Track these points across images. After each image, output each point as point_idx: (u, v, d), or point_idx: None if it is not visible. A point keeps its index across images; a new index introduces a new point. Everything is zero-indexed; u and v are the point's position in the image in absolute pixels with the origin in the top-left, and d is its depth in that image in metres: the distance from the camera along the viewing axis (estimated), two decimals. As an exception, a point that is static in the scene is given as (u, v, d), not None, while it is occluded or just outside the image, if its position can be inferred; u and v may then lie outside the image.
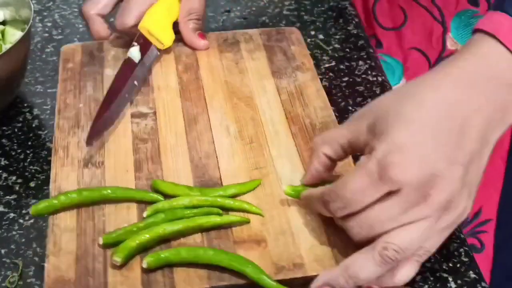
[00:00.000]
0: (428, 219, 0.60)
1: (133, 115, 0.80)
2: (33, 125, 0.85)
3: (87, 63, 0.87)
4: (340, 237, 0.65)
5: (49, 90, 0.90)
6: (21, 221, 0.73)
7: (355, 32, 1.00)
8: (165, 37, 0.88)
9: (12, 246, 0.70)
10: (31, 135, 0.84)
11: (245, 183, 0.71)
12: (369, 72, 0.92)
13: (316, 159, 0.68)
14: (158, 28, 0.88)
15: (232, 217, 0.67)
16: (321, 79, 0.91)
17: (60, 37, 1.00)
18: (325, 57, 0.96)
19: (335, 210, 0.63)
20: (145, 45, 0.86)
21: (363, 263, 0.61)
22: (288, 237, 0.66)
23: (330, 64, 0.94)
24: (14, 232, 0.72)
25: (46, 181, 0.77)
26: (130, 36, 0.88)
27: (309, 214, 0.68)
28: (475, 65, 0.62)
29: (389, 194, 0.60)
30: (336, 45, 0.98)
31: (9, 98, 0.86)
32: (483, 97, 0.61)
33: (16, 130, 0.84)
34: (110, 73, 0.85)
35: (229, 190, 0.70)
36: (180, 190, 0.69)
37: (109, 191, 0.69)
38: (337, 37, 1.00)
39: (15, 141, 0.83)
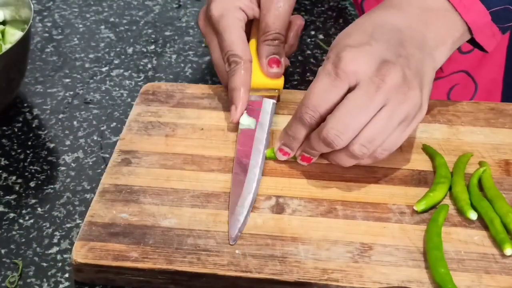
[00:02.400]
0: (386, 107, 0.66)
1: None
2: (33, 125, 0.85)
3: None
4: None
5: (49, 90, 0.90)
6: (21, 221, 0.73)
7: (355, 32, 1.00)
8: (271, 81, 0.79)
9: (12, 246, 0.70)
10: (31, 135, 0.84)
11: None
12: (369, 72, 0.92)
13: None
14: (259, 77, 0.79)
15: None
16: (321, 79, 0.91)
17: (60, 37, 1.00)
18: (325, 57, 0.96)
19: (308, 119, 0.69)
20: (254, 105, 0.79)
21: (339, 160, 0.70)
22: None
23: (330, 64, 0.94)
24: (14, 232, 0.72)
25: (46, 181, 0.77)
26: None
27: None
28: None
29: (350, 91, 0.66)
30: (336, 45, 0.98)
31: (9, 98, 0.86)
32: (409, 18, 0.71)
33: (16, 130, 0.84)
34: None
35: None
36: None
37: None
38: (337, 37, 1.00)
39: (15, 141, 0.83)
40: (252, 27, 0.83)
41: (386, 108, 0.66)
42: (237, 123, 0.78)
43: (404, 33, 0.69)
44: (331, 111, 0.67)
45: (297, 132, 0.71)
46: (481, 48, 0.76)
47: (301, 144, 0.72)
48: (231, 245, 0.66)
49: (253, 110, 0.78)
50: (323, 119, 0.68)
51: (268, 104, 0.79)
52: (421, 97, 0.68)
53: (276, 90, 0.80)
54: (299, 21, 0.84)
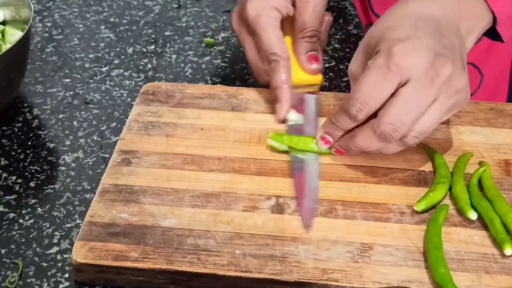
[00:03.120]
0: (438, 100, 0.67)
1: None
2: (33, 125, 0.85)
3: None
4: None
5: (49, 90, 0.90)
6: (21, 221, 0.73)
7: (355, 32, 1.00)
8: (310, 77, 0.81)
9: (12, 246, 0.70)
10: (31, 135, 0.84)
11: None
12: (369, 72, 0.92)
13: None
14: (298, 74, 0.81)
15: None
16: (321, 79, 0.91)
17: (60, 37, 1.00)
18: (325, 57, 0.96)
19: (355, 114, 0.68)
20: (297, 101, 0.81)
21: (388, 150, 0.70)
22: None
23: (330, 64, 0.95)
24: (14, 232, 0.72)
25: (46, 181, 0.77)
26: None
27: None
28: None
29: (399, 86, 0.66)
30: (336, 45, 0.98)
31: (9, 98, 0.86)
32: (445, 8, 0.71)
33: (16, 130, 0.84)
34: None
35: None
36: None
37: None
38: (337, 37, 1.00)
39: (15, 141, 0.83)
40: (283, 24, 0.83)
41: (438, 101, 0.67)
42: (284, 121, 0.80)
43: (441, 22, 0.70)
44: (379, 105, 0.67)
45: (342, 123, 0.71)
46: (497, 38, 0.77)
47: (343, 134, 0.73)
48: (308, 232, 0.67)
49: (297, 106, 0.80)
50: (369, 114, 0.68)
51: (311, 100, 0.81)
52: (467, 85, 0.69)
53: (316, 86, 0.82)
54: (327, 17, 0.85)
